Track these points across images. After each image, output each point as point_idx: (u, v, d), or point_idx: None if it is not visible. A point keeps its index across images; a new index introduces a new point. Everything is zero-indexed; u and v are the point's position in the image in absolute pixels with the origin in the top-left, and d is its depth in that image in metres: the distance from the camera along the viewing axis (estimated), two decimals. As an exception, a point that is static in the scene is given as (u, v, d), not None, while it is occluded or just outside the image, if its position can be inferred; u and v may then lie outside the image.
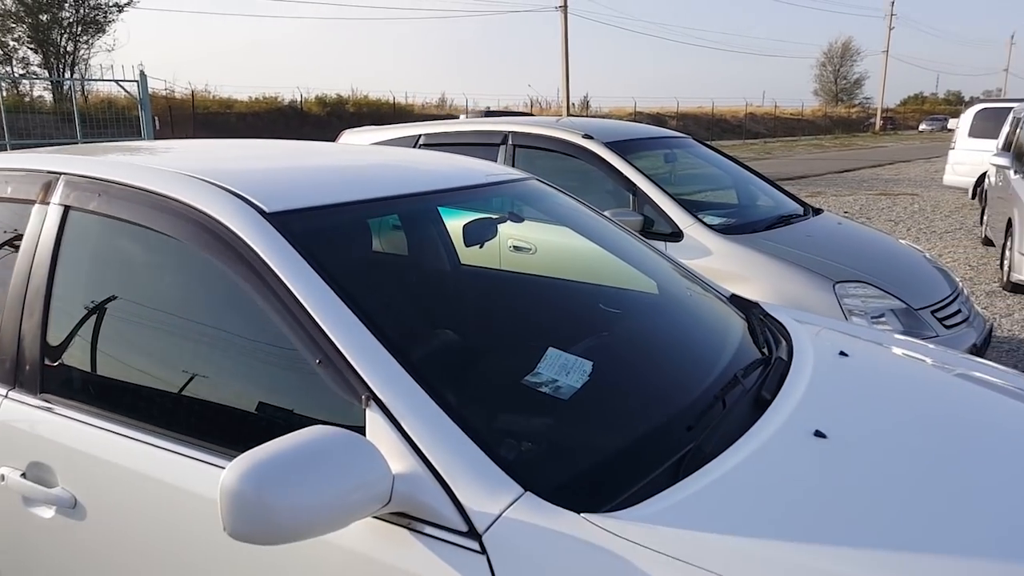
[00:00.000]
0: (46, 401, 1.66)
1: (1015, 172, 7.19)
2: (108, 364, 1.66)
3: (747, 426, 1.48)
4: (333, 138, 5.52)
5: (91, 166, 1.79)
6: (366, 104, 35.26)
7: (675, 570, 1.08)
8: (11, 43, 27.08)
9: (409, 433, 1.24)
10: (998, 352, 4.99)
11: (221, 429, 1.48)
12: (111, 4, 28.76)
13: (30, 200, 1.82)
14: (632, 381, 1.75)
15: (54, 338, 1.71)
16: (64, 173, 1.80)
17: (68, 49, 28.33)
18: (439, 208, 2.39)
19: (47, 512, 1.59)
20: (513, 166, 3.80)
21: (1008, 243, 6.75)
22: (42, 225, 1.77)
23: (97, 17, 28.85)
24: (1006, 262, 6.75)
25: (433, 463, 1.21)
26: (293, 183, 1.72)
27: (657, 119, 38.77)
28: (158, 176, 1.66)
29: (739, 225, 4.00)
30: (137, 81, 13.95)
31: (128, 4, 29.04)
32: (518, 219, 2.37)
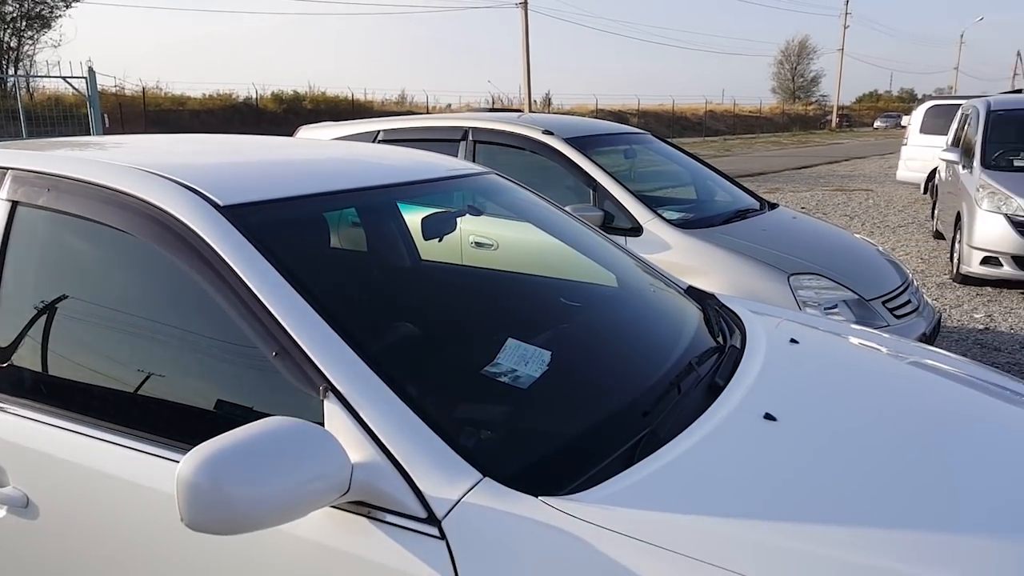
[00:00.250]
0: None
1: (963, 167, 7.42)
2: (61, 362, 1.64)
3: (701, 411, 1.52)
4: (290, 135, 5.46)
5: (40, 161, 1.75)
6: (324, 101, 34.85)
7: (628, 547, 1.11)
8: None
9: (367, 422, 1.25)
10: (947, 341, 5.15)
11: (179, 424, 1.47)
12: (57, -2, 28.08)
13: None
14: (591, 370, 1.77)
15: (3, 337, 1.67)
16: (11, 168, 1.77)
17: (11, 45, 27.50)
18: (399, 203, 2.40)
19: (-2, 512, 1.56)
20: (474, 162, 3.81)
21: (957, 236, 6.96)
22: None
23: (42, 12, 28.04)
24: (955, 255, 6.96)
25: (392, 451, 1.22)
26: (248, 176, 1.71)
27: (619, 116, 39.02)
28: (109, 170, 1.64)
29: (697, 220, 4.07)
30: (85, 78, 13.56)
31: (75, -1, 28.36)
32: (477, 212, 2.39)
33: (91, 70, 13.52)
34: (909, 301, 3.73)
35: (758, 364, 1.78)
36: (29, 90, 22.06)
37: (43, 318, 1.67)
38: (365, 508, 1.22)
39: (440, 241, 2.43)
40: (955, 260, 6.95)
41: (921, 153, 11.92)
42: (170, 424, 1.47)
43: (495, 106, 36.98)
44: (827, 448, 1.43)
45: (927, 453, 1.46)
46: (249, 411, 1.41)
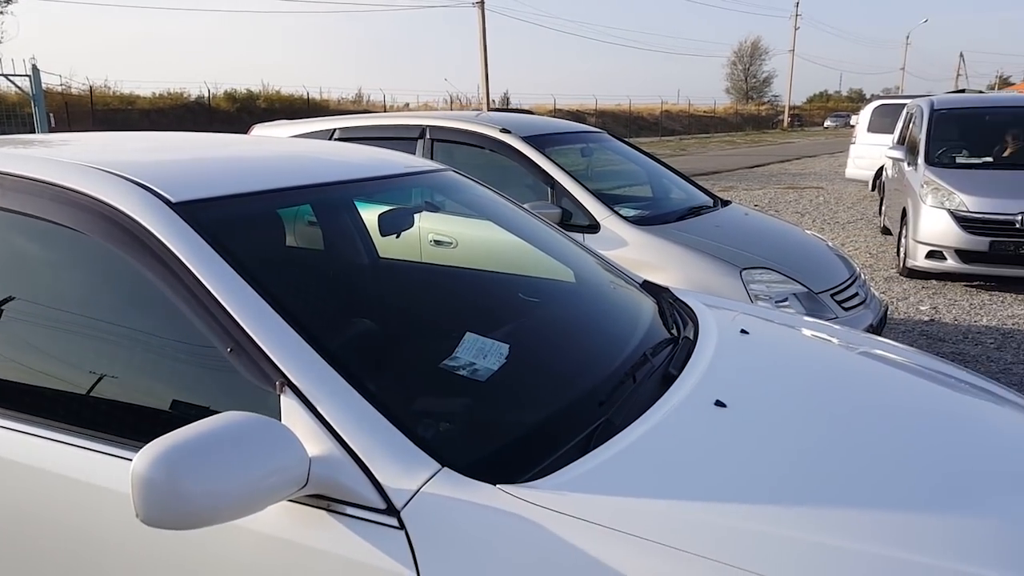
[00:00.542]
0: None
1: (909, 164, 7.65)
2: (11, 364, 1.60)
3: (655, 399, 1.56)
4: (244, 134, 5.39)
5: None
6: (278, 100, 34.32)
7: (584, 531, 1.14)
8: None
9: (324, 416, 1.25)
10: (894, 332, 5.31)
11: (135, 423, 1.45)
12: (-5, -6, 27.14)
13: None
14: (548, 362, 1.80)
15: None
16: None
17: (-52, 41, 26.51)
18: (356, 201, 2.39)
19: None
20: (431, 160, 3.81)
21: (903, 231, 7.18)
22: None
23: (-20, 9, 27.09)
24: (902, 249, 7.17)
25: (350, 444, 1.23)
26: (200, 173, 1.69)
27: (577, 116, 39.26)
28: (57, 167, 1.61)
29: (653, 217, 4.14)
30: (29, 76, 13.10)
31: (15, -5, 27.40)
32: (434, 208, 2.39)
33: (35, 67, 13.07)
34: (857, 294, 3.85)
35: (710, 354, 1.83)
36: (-32, 89, 21.27)
37: (-11, 319, 1.63)
38: (324, 501, 1.22)
39: (398, 238, 2.43)
40: (901, 254, 7.16)
41: (869, 151, 12.25)
42: (125, 423, 1.45)
43: (453, 108, 36.84)
44: (774, 432, 1.47)
45: (870, 436, 1.51)
46: (205, 408, 1.40)
